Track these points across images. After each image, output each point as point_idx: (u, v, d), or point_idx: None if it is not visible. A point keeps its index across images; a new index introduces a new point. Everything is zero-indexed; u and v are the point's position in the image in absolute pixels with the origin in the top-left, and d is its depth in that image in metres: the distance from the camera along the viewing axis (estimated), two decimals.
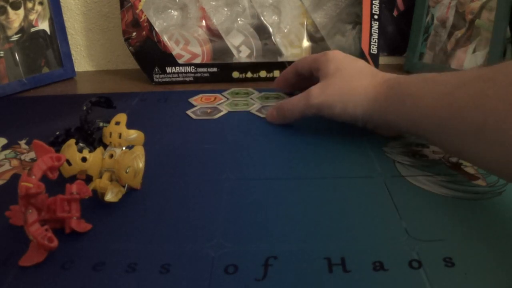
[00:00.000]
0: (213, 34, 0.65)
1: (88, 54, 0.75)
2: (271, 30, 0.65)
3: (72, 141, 0.36)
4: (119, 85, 0.67)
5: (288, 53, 0.66)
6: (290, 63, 0.56)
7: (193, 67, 0.65)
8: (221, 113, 0.53)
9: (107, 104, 0.47)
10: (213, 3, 0.65)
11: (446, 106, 0.35)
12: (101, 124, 0.44)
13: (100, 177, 0.36)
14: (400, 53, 0.73)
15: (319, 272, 0.29)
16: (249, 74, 0.66)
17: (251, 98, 0.58)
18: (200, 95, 0.59)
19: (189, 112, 0.54)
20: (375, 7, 0.63)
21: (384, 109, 0.41)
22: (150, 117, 0.53)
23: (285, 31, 0.66)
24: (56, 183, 0.32)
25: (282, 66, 0.64)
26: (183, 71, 0.65)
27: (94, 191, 0.35)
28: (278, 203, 0.36)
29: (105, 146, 0.38)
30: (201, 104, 0.56)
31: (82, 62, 0.75)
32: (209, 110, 0.54)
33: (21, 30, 0.63)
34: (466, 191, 0.38)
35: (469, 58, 0.62)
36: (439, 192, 0.37)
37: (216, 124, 0.51)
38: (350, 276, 0.29)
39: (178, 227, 0.34)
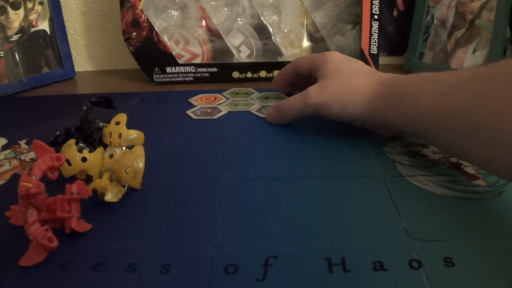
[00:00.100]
0: (213, 34, 0.65)
1: (88, 54, 0.75)
2: (271, 30, 0.65)
3: (72, 141, 0.36)
4: (119, 85, 0.67)
5: (288, 53, 0.66)
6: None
7: (193, 67, 0.65)
8: (221, 113, 0.53)
9: (107, 104, 0.47)
10: (213, 3, 0.65)
11: (445, 106, 0.35)
12: (101, 124, 0.44)
13: (100, 177, 0.36)
14: (400, 53, 0.73)
15: (319, 272, 0.29)
16: (249, 74, 0.66)
17: (251, 98, 0.58)
18: (200, 95, 0.59)
19: (189, 112, 0.54)
20: (375, 7, 0.63)
21: (383, 109, 0.41)
22: (150, 117, 0.53)
23: (285, 31, 0.66)
24: (56, 183, 0.32)
25: (282, 66, 0.63)
26: (183, 71, 0.65)
27: (94, 191, 0.35)
28: (278, 203, 0.36)
29: (105, 146, 0.38)
30: (201, 104, 0.56)
31: (82, 62, 0.75)
32: (209, 110, 0.54)
33: (21, 30, 0.63)
34: (466, 191, 0.38)
35: (469, 58, 0.62)
36: (439, 192, 0.37)
37: (216, 124, 0.51)
38: (350, 276, 0.29)
39: (178, 227, 0.34)
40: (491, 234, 0.33)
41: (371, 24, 0.64)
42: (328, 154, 0.44)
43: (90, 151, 0.36)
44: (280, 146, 0.46)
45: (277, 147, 0.46)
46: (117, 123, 0.37)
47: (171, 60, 0.64)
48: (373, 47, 0.65)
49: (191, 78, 0.66)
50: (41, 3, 0.65)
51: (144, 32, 0.63)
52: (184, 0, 0.65)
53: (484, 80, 0.33)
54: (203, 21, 0.65)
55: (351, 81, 0.44)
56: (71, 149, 0.35)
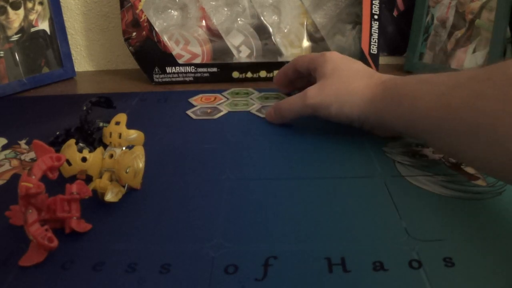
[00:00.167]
0: (213, 34, 0.65)
1: (88, 54, 0.75)
2: (271, 30, 0.65)
3: (72, 141, 0.36)
4: (119, 85, 0.67)
5: (288, 53, 0.66)
6: None
7: (193, 67, 0.65)
8: (221, 113, 0.53)
9: (107, 104, 0.47)
10: (213, 3, 0.65)
11: (443, 107, 0.35)
12: (101, 124, 0.44)
13: (100, 177, 0.36)
14: (400, 53, 0.73)
15: (319, 272, 0.29)
16: (249, 74, 0.66)
17: (251, 98, 0.58)
18: (200, 95, 0.59)
19: (189, 112, 0.54)
20: (375, 7, 0.63)
21: (381, 110, 0.41)
22: (150, 117, 0.53)
23: (285, 31, 0.66)
24: (56, 183, 0.32)
25: (282, 66, 0.63)
26: (183, 71, 0.65)
27: (94, 191, 0.35)
28: (278, 203, 0.36)
29: (105, 146, 0.38)
30: (201, 104, 0.56)
31: (82, 62, 0.75)
32: (209, 110, 0.54)
33: (21, 30, 0.63)
34: (466, 191, 0.38)
35: (469, 58, 0.62)
36: (439, 192, 0.37)
37: (216, 124, 0.51)
38: (350, 276, 0.29)
39: (178, 227, 0.34)
40: (491, 234, 0.33)
41: (371, 24, 0.64)
42: (328, 154, 0.44)
43: (90, 151, 0.36)
44: (280, 146, 0.46)
45: (277, 147, 0.46)
46: (117, 123, 0.37)
47: (171, 60, 0.64)
48: (373, 47, 0.65)
49: (191, 78, 0.66)
50: (41, 3, 0.65)
51: (144, 32, 0.63)
52: (184, 0, 0.65)
53: (482, 81, 0.33)
54: (203, 21, 0.65)
55: (349, 82, 0.44)
56: (71, 149, 0.35)
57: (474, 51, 0.62)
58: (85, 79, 0.71)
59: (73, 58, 0.71)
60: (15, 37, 0.63)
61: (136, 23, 0.63)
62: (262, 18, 0.65)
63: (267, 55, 0.66)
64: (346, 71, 0.46)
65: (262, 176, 0.40)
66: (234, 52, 0.65)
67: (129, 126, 0.38)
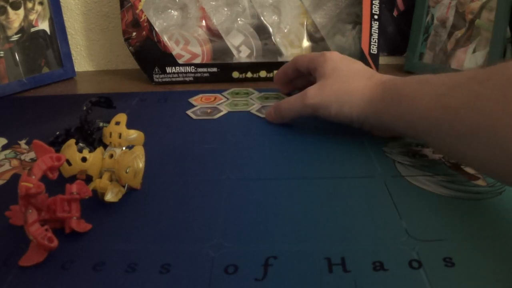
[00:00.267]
0: (213, 34, 0.65)
1: (88, 54, 0.75)
2: (271, 30, 0.65)
3: (72, 141, 0.36)
4: (119, 85, 0.67)
5: (288, 53, 0.66)
6: None
7: (193, 67, 0.65)
8: (221, 113, 0.53)
9: (107, 104, 0.47)
10: (213, 3, 0.65)
11: (442, 108, 0.35)
12: (101, 124, 0.44)
13: (100, 177, 0.36)
14: (400, 53, 0.73)
15: (319, 272, 0.29)
16: (249, 74, 0.66)
17: (251, 98, 0.58)
18: (200, 95, 0.59)
19: (189, 112, 0.54)
20: (375, 7, 0.63)
21: (380, 110, 0.41)
22: (150, 117, 0.53)
23: (285, 31, 0.66)
24: (56, 183, 0.32)
25: (281, 66, 0.64)
26: (183, 71, 0.65)
27: (94, 191, 0.35)
28: (278, 203, 0.36)
29: (105, 146, 0.38)
30: (201, 104, 0.57)
31: (82, 62, 0.75)
32: (209, 110, 0.54)
33: (21, 30, 0.63)
34: (466, 191, 0.38)
35: (469, 58, 0.62)
36: (439, 192, 0.37)
37: (216, 124, 0.51)
38: (350, 276, 0.29)
39: (178, 227, 0.34)
40: (491, 234, 0.33)
41: (371, 24, 0.64)
42: (328, 154, 0.44)
43: (90, 151, 0.36)
44: (280, 146, 0.46)
45: (277, 147, 0.46)
46: (117, 123, 0.37)
47: (171, 60, 0.64)
48: (373, 47, 0.65)
49: (191, 78, 0.66)
50: (41, 3, 0.65)
51: (144, 32, 0.63)
52: (184, 0, 0.65)
53: (482, 82, 0.33)
54: (203, 21, 0.65)
55: (349, 82, 0.44)
56: (71, 149, 0.35)
57: (474, 51, 0.62)
58: (85, 79, 0.71)
59: (73, 58, 0.71)
60: (15, 37, 0.63)
61: (136, 23, 0.63)
62: (262, 18, 0.65)
63: (267, 55, 0.66)
64: (346, 71, 0.46)
65: (262, 176, 0.40)
66: (234, 52, 0.65)
67: (129, 126, 0.38)
